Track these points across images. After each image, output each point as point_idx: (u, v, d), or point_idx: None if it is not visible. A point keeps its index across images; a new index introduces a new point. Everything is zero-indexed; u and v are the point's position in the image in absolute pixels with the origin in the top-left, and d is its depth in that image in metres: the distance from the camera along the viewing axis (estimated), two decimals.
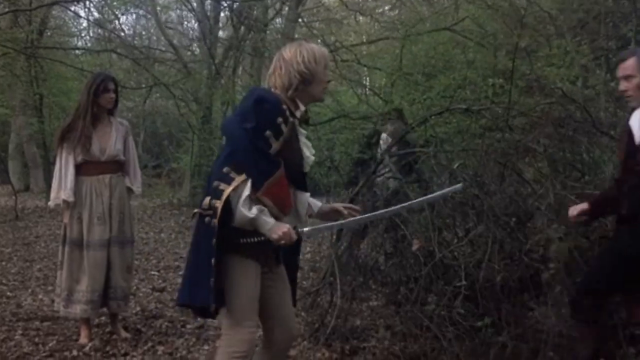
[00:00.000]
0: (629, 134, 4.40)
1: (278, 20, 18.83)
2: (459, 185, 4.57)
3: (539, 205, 5.35)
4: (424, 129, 6.91)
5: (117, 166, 6.07)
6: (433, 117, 6.70)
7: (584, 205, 4.63)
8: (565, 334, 4.85)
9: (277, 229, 3.53)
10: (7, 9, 15.52)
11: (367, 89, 16.37)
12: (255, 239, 3.57)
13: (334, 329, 5.69)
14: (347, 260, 6.30)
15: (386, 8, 21.04)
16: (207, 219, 3.60)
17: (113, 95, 5.99)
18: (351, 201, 6.43)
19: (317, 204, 4.02)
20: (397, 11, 19.38)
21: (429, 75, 11.04)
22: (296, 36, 16.81)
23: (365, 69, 15.57)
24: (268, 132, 3.57)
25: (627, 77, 4.35)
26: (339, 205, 4.08)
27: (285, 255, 3.93)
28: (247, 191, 3.49)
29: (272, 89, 3.76)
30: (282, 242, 3.55)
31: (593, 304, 4.46)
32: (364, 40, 19.64)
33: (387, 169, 6.76)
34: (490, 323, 5.08)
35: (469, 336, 5.13)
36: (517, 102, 6.08)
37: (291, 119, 3.69)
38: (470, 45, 10.95)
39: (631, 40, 9.76)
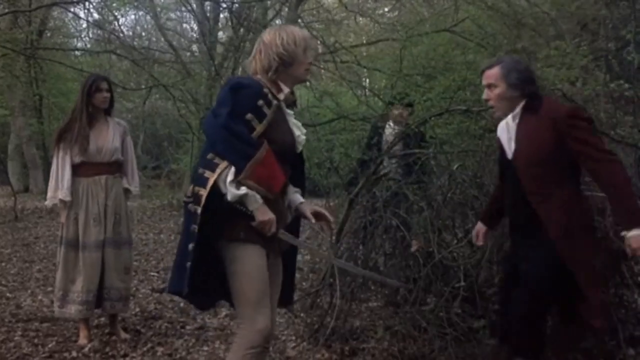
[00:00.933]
0: (501, 147, 4.36)
1: (277, 21, 18.83)
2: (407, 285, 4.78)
3: None
4: (423, 130, 6.91)
5: (115, 167, 6.08)
6: (433, 118, 6.69)
7: (482, 228, 4.65)
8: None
9: (263, 211, 3.59)
10: (6, 10, 15.52)
11: (366, 90, 16.37)
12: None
13: (333, 330, 5.69)
14: (346, 261, 6.30)
15: (386, 9, 21.05)
16: (189, 205, 3.64)
17: (106, 95, 6.00)
18: (351, 202, 6.44)
19: (297, 199, 4.01)
20: (397, 12, 19.38)
21: (428, 77, 11.04)
22: None
23: (365, 70, 15.57)
24: (249, 115, 3.61)
25: (490, 86, 4.25)
26: (309, 213, 3.98)
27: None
28: (231, 176, 3.53)
29: (253, 75, 3.81)
30: (261, 226, 3.58)
31: (533, 329, 4.29)
32: (364, 41, 19.66)
33: (387, 169, 6.76)
34: (489, 324, 5.08)
35: (467, 337, 5.13)
36: None
37: (275, 102, 3.71)
38: (470, 47, 10.94)
39: (630, 41, 9.75)
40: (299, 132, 3.90)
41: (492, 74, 4.23)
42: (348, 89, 15.08)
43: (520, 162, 4.19)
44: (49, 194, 6.00)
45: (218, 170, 3.55)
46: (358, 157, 8.18)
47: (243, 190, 3.53)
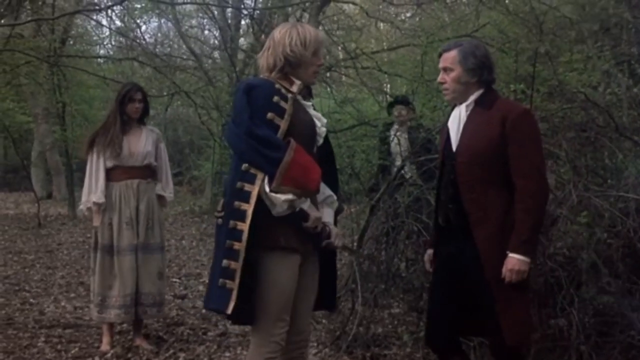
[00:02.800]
0: (447, 136, 4.12)
1: None
2: None
3: (562, 211, 5.30)
4: None
5: (148, 172, 6.11)
6: None
7: (429, 252, 4.33)
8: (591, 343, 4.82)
9: (312, 207, 3.57)
10: (30, 18, 15.63)
11: (388, 96, 16.33)
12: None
13: (355, 337, 5.68)
14: (368, 267, 6.29)
15: (407, 15, 21.00)
16: (219, 220, 3.60)
17: (138, 105, 6.04)
18: (372, 208, 6.43)
19: (327, 214, 3.84)
20: (417, 18, 19.32)
21: None
22: None
23: (386, 76, 15.53)
24: (270, 114, 3.53)
25: (446, 69, 4.02)
26: (335, 231, 3.83)
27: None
28: (267, 186, 3.45)
29: (262, 71, 3.75)
30: (314, 223, 3.54)
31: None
32: (385, 47, 19.60)
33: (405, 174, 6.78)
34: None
35: None
36: (539, 108, 6.05)
37: (290, 95, 3.63)
38: (492, 52, 10.87)
39: None
40: (320, 123, 3.79)
41: (449, 57, 4.02)
42: (369, 95, 15.06)
43: (462, 157, 3.97)
44: (83, 198, 6.05)
45: (258, 182, 3.47)
46: (378, 163, 8.20)
47: (289, 196, 3.46)
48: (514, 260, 3.77)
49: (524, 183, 3.82)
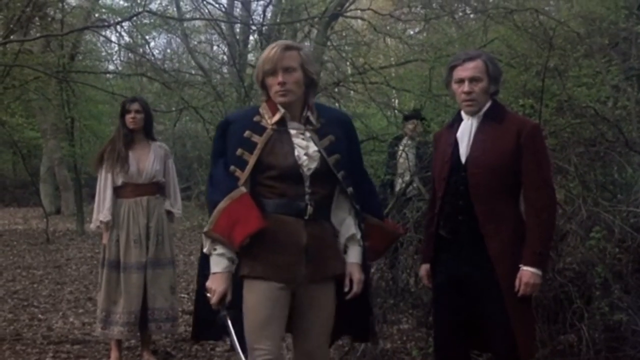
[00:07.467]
0: (455, 147, 4.04)
1: (307, 43, 18.86)
2: None
3: (571, 226, 5.28)
4: None
5: (156, 188, 6.11)
6: None
7: (427, 267, 4.24)
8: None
9: (214, 279, 3.47)
10: (39, 34, 15.70)
11: (396, 111, 16.32)
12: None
13: (364, 352, 5.65)
14: (377, 282, 6.26)
15: (415, 30, 21.03)
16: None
17: (134, 115, 6.02)
18: None
19: (350, 255, 3.73)
20: (425, 33, 19.35)
21: None
22: (325, 58, 16.85)
23: (395, 91, 15.52)
24: (239, 150, 3.50)
25: (474, 79, 3.93)
26: (356, 278, 3.69)
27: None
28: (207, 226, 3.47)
29: None
30: (207, 293, 3.48)
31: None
32: (393, 62, 19.60)
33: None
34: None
35: None
36: (548, 122, 6.03)
37: (269, 128, 3.55)
38: (500, 66, 10.84)
39: None
40: (302, 152, 3.55)
41: (477, 66, 3.95)
42: (377, 110, 15.05)
43: (475, 168, 3.93)
44: (94, 216, 6.09)
45: None
46: (385, 177, 8.19)
47: (206, 249, 3.49)
48: (529, 274, 3.78)
49: (537, 196, 3.85)
